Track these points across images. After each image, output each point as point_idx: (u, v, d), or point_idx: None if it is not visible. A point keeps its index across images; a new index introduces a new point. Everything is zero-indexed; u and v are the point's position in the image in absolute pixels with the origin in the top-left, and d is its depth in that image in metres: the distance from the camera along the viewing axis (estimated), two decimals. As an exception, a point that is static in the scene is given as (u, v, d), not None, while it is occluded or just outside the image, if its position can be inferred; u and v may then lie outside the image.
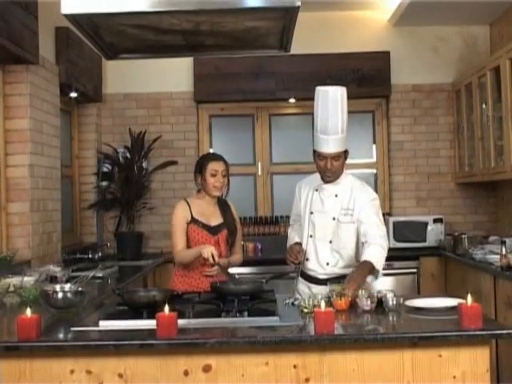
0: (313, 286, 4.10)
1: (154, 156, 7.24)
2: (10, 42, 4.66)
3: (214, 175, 4.27)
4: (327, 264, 4.08)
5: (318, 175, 4.14)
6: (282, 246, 4.38)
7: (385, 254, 3.86)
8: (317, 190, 4.15)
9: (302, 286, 4.18)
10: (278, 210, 7.33)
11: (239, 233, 4.51)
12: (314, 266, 4.13)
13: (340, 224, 4.03)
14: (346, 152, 4.02)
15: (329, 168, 3.98)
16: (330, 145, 3.93)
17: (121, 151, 7.16)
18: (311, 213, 4.14)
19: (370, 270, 3.74)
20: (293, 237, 4.30)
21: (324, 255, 4.08)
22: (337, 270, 4.05)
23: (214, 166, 4.28)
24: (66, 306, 3.32)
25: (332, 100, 3.91)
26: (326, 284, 3.85)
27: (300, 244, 4.13)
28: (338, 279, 3.86)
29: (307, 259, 4.15)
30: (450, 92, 7.34)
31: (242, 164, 7.37)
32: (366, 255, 3.77)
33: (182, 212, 4.31)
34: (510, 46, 5.68)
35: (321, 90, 3.97)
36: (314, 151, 4.06)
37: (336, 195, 4.07)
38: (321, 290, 3.79)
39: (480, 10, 6.79)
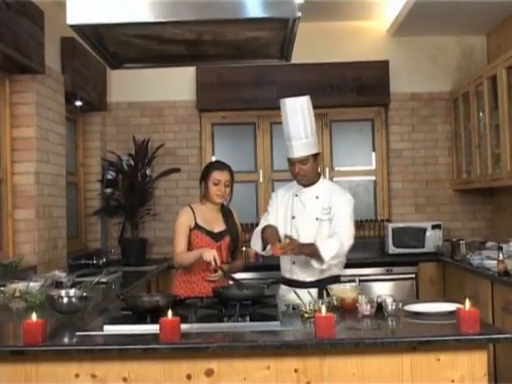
0: (300, 290, 4.08)
1: (157, 163, 7.25)
2: (17, 52, 4.67)
3: (216, 184, 4.29)
4: (293, 262, 4.15)
5: (294, 182, 4.30)
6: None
7: (338, 248, 3.98)
8: (297, 196, 4.25)
9: (288, 293, 4.08)
10: (279, 216, 7.33)
11: (240, 242, 4.51)
12: (300, 270, 4.15)
13: (322, 222, 4.15)
14: (315, 155, 4.17)
15: (297, 172, 4.17)
16: (294, 150, 4.13)
17: (125, 159, 7.17)
18: (293, 217, 4.21)
19: (315, 253, 3.91)
20: (259, 228, 4.24)
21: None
22: (324, 270, 4.09)
23: (217, 176, 4.30)
24: (71, 311, 3.32)
25: (291, 109, 4.12)
26: (314, 287, 3.98)
27: (273, 226, 4.11)
28: (326, 281, 3.99)
29: (294, 263, 4.17)
30: (447, 100, 7.34)
31: (244, 171, 7.37)
32: (321, 242, 3.99)
33: (186, 217, 4.33)
34: (506, 56, 5.68)
35: (281, 102, 4.18)
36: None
37: (317, 197, 4.20)
38: (312, 293, 3.80)
39: (477, 21, 6.80)
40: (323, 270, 4.07)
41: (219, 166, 4.42)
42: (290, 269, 4.19)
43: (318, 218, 4.15)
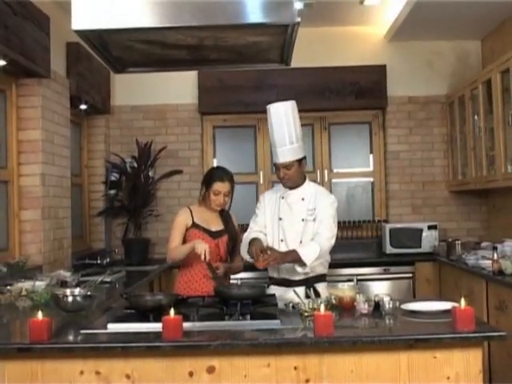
0: (287, 288, 4.09)
1: (159, 165, 7.25)
2: (23, 57, 4.68)
3: (216, 194, 4.31)
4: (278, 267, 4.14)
5: (281, 185, 4.32)
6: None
7: (319, 251, 3.99)
8: (283, 198, 4.27)
9: (284, 292, 4.09)
10: (278, 217, 7.32)
11: (238, 242, 4.51)
12: (289, 269, 4.14)
13: (307, 223, 4.17)
14: (300, 160, 4.18)
15: (282, 176, 4.20)
16: (279, 155, 4.16)
17: (128, 161, 7.18)
18: (280, 219, 4.23)
19: (297, 258, 3.95)
20: (248, 235, 4.26)
21: None
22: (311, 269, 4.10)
23: (218, 187, 4.31)
24: (75, 310, 3.33)
25: (275, 115, 4.15)
26: (302, 285, 4.00)
27: (259, 240, 4.12)
28: (314, 279, 4.09)
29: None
30: (443, 104, 7.35)
31: (245, 173, 7.37)
32: (300, 247, 4.03)
33: (183, 217, 4.36)
34: (500, 61, 5.69)
35: (267, 108, 4.21)
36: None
37: (302, 199, 4.23)
38: (300, 291, 3.82)
39: (472, 26, 6.81)
40: (312, 269, 4.10)
41: (222, 177, 4.37)
42: (278, 269, 4.19)
43: (303, 219, 4.17)
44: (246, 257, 4.22)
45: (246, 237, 4.24)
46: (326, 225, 4.12)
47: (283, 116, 4.12)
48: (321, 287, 4.12)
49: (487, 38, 7.13)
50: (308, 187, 4.27)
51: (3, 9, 4.36)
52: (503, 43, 6.58)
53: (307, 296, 3.73)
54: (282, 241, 4.19)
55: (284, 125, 4.11)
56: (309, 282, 4.08)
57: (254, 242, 4.08)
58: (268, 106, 4.21)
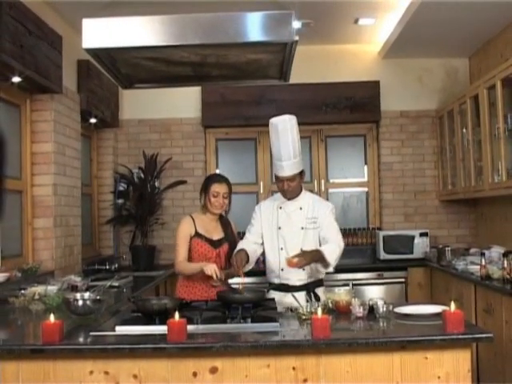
0: (286, 293, 4.08)
1: (165, 176, 7.26)
2: (37, 74, 4.70)
3: (215, 196, 4.29)
4: (303, 269, 4.09)
5: (276, 196, 4.31)
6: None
7: (338, 251, 3.99)
8: (281, 208, 4.23)
9: (283, 296, 4.08)
10: (278, 224, 7.30)
11: None
12: (289, 275, 4.13)
13: (307, 231, 4.14)
14: (301, 173, 4.16)
15: (286, 189, 4.15)
16: (284, 169, 4.10)
17: (135, 172, 7.18)
18: (279, 228, 4.20)
19: (321, 258, 3.90)
20: (239, 246, 4.24)
21: None
22: (311, 274, 4.10)
23: (216, 188, 4.30)
24: (85, 313, 3.32)
25: (282, 131, 4.08)
26: (302, 290, 4.01)
27: (243, 251, 4.09)
28: (313, 284, 4.08)
29: (282, 269, 4.15)
30: (433, 118, 7.35)
31: (245, 183, 7.37)
32: (323, 247, 3.98)
33: (187, 226, 4.32)
34: (487, 77, 5.70)
35: (272, 123, 4.14)
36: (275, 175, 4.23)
37: (300, 208, 4.20)
38: (299, 296, 3.84)
39: (460, 45, 6.83)
40: (311, 274, 4.10)
41: (218, 179, 4.40)
42: (279, 274, 4.17)
43: (303, 227, 4.15)
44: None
45: (239, 245, 4.24)
46: (332, 230, 4.12)
47: (289, 130, 4.07)
48: (320, 291, 4.12)
49: (474, 56, 7.15)
50: (305, 197, 4.25)
51: (19, 29, 4.38)
52: (489, 61, 6.59)
53: (308, 300, 3.73)
54: (281, 249, 4.16)
55: (289, 139, 4.07)
56: (308, 287, 4.08)
57: (238, 252, 4.06)
58: (273, 120, 4.14)
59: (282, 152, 4.09)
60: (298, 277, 4.11)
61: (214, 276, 3.89)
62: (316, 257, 3.91)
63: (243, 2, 3.10)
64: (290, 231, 4.17)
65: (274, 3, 3.05)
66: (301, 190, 4.25)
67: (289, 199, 4.21)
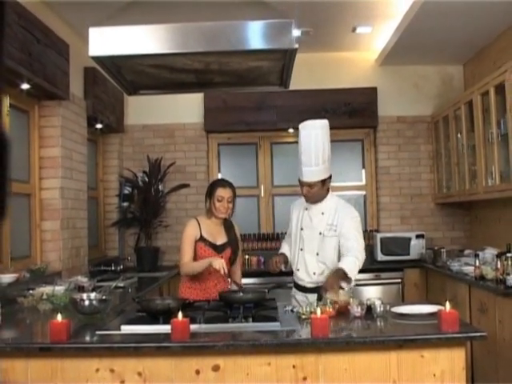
0: (302, 293, 4.11)
1: (169, 180, 7.26)
2: (45, 81, 4.71)
3: (220, 200, 4.25)
4: (314, 273, 4.10)
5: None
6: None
7: (358, 263, 3.93)
8: (306, 209, 4.20)
9: (298, 295, 4.16)
10: (278, 227, 7.30)
11: (240, 251, 4.51)
12: (303, 276, 4.15)
13: (324, 238, 4.07)
14: (324, 180, 4.04)
15: (305, 193, 4.09)
16: (303, 175, 4.03)
17: (140, 175, 7.18)
18: (301, 229, 4.19)
19: (343, 275, 3.83)
20: (282, 247, 4.39)
21: (312, 266, 4.11)
22: (322, 279, 4.05)
23: (220, 193, 4.26)
24: (92, 312, 3.33)
25: (305, 136, 4.01)
26: (313, 292, 3.97)
27: (283, 255, 4.20)
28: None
29: (298, 269, 4.17)
30: (429, 123, 7.36)
31: (247, 187, 7.37)
32: (342, 263, 3.89)
33: (192, 229, 4.29)
34: (481, 84, 5.71)
35: (303, 127, 4.05)
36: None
37: (322, 213, 4.12)
38: (313, 297, 3.82)
39: (455, 53, 6.83)
40: (322, 278, 4.05)
41: (223, 184, 4.35)
42: (296, 274, 4.20)
43: (321, 232, 4.07)
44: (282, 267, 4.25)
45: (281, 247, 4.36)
46: (352, 239, 3.99)
47: (313, 137, 3.98)
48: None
49: (468, 63, 7.15)
50: (330, 201, 4.14)
51: (28, 37, 4.39)
52: (483, 68, 6.60)
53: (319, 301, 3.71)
54: (301, 250, 4.15)
55: (312, 146, 3.97)
56: (319, 290, 4.00)
57: (280, 254, 4.21)
58: (301, 125, 4.06)
59: (303, 157, 4.01)
60: (309, 279, 4.11)
61: (222, 271, 3.87)
62: (338, 277, 3.83)
63: (245, 8, 3.11)
64: (310, 234, 4.13)
65: (275, 11, 3.06)
66: (327, 193, 4.15)
67: (309, 203, 4.16)
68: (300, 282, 4.17)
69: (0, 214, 0.58)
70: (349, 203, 4.31)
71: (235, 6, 3.14)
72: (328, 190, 4.16)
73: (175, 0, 3.15)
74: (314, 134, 4.00)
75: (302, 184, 4.08)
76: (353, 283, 3.96)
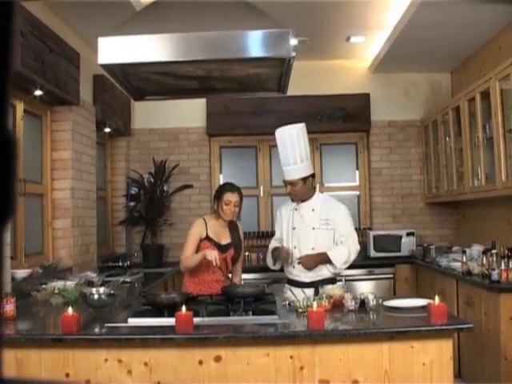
0: (298, 289, 4.09)
1: (173, 180, 7.26)
2: (57, 88, 4.71)
3: (227, 204, 4.21)
4: (309, 270, 4.10)
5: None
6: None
7: (346, 253, 4.01)
8: (296, 210, 4.21)
9: (294, 288, 4.12)
10: (276, 225, 7.30)
11: (242, 254, 4.49)
12: (299, 272, 4.13)
13: (319, 232, 4.10)
14: (305, 178, 4.08)
15: (289, 192, 4.15)
16: (285, 174, 4.11)
17: (146, 177, 7.18)
18: (293, 228, 4.18)
19: (328, 260, 3.98)
20: (273, 244, 4.34)
21: None
22: (319, 272, 4.09)
23: (228, 197, 4.22)
24: (100, 306, 3.33)
25: (279, 139, 4.09)
26: (311, 286, 3.99)
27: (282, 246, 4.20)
28: (321, 282, 3.99)
29: (293, 267, 4.15)
30: (419, 127, 7.36)
31: (247, 187, 7.35)
32: (329, 250, 4.01)
33: (199, 228, 4.25)
34: (467, 91, 5.71)
35: (276, 131, 4.13)
36: None
37: (313, 210, 4.15)
38: (309, 292, 3.83)
39: (443, 61, 6.84)
40: (318, 273, 4.08)
41: (231, 188, 4.29)
42: (291, 271, 4.19)
43: (314, 227, 4.10)
44: (270, 265, 4.29)
45: (269, 251, 4.28)
46: (346, 232, 4.10)
47: (287, 139, 4.04)
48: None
49: (456, 71, 7.16)
50: (317, 199, 4.20)
51: (40, 47, 4.39)
52: (469, 75, 6.60)
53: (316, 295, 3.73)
54: (295, 248, 4.14)
55: (288, 146, 4.03)
56: (316, 285, 4.02)
57: (276, 248, 4.16)
58: (277, 129, 4.14)
59: (281, 158, 4.09)
60: (306, 274, 4.11)
61: (214, 262, 3.86)
62: (322, 260, 3.97)
63: (245, 18, 3.11)
64: (303, 231, 4.14)
65: (273, 22, 3.06)
66: (313, 192, 4.20)
67: (296, 201, 4.18)
68: (296, 278, 4.16)
69: (8, 213, 0.58)
70: (335, 199, 4.41)
71: (236, 16, 3.14)
72: (314, 189, 4.23)
73: (179, 11, 3.16)
74: (289, 134, 4.06)
75: (285, 183, 4.15)
76: (338, 268, 4.02)
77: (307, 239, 4.12)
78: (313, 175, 4.17)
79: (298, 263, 4.06)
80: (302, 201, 4.17)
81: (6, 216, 0.57)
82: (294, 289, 3.99)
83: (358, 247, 4.10)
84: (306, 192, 4.15)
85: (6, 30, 0.56)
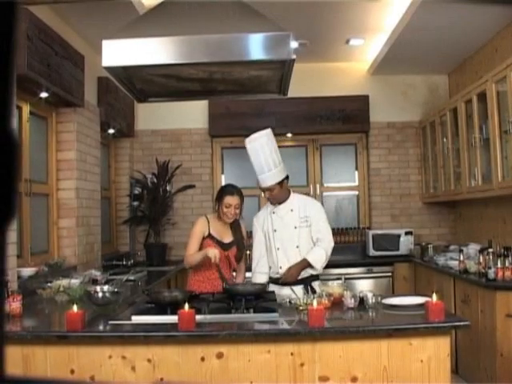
0: (283, 287, 4.09)
1: (176, 181, 7.25)
2: (62, 90, 4.71)
3: (227, 207, 4.21)
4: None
5: (267, 205, 4.33)
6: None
7: (324, 255, 4.09)
8: (274, 213, 4.22)
9: (284, 289, 4.08)
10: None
11: (244, 250, 4.48)
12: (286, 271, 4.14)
13: (300, 230, 4.14)
14: (281, 182, 4.10)
15: (268, 197, 4.20)
16: (260, 182, 4.14)
17: (149, 177, 7.18)
18: (274, 230, 4.19)
19: (308, 264, 4.05)
20: (256, 278, 4.23)
21: (294, 259, 4.12)
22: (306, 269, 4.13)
23: (228, 200, 4.20)
24: (105, 304, 3.33)
25: (251, 149, 4.15)
26: (300, 283, 4.05)
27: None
28: (310, 278, 4.10)
29: (280, 267, 4.14)
30: (417, 128, 7.35)
31: (248, 187, 7.32)
32: (308, 254, 4.07)
33: (202, 226, 4.26)
34: (464, 92, 5.71)
35: (247, 142, 4.19)
36: None
37: (291, 210, 4.18)
38: (299, 289, 3.91)
39: (440, 63, 6.84)
40: (306, 270, 4.12)
41: (231, 191, 4.27)
42: (278, 271, 4.16)
43: (296, 226, 4.13)
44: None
45: (254, 270, 4.27)
46: (322, 229, 4.13)
47: (258, 147, 4.07)
48: (316, 285, 4.11)
49: (453, 73, 7.15)
50: (294, 199, 4.22)
51: (46, 50, 4.39)
52: (466, 78, 6.60)
53: (305, 293, 3.75)
54: (278, 249, 4.15)
55: (260, 155, 4.06)
56: (305, 281, 4.08)
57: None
58: (246, 140, 4.17)
59: (254, 168, 4.14)
60: None
61: (213, 259, 3.86)
62: (304, 266, 4.06)
63: (246, 21, 3.11)
64: (286, 232, 4.15)
65: (274, 25, 3.06)
66: (289, 194, 4.23)
67: (278, 204, 4.19)
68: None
69: (10, 213, 0.58)
70: (315, 199, 4.55)
71: (237, 19, 3.14)
72: (289, 191, 4.25)
73: (181, 14, 3.16)
74: (259, 144, 4.09)
75: (262, 190, 4.21)
76: (318, 269, 4.09)
77: (291, 239, 4.13)
78: (287, 177, 4.19)
79: (281, 283, 4.07)
80: (279, 203, 4.19)
81: (8, 216, 0.57)
82: (283, 288, 3.99)
83: (332, 244, 4.16)
84: (283, 194, 4.18)
85: (8, 30, 0.56)
